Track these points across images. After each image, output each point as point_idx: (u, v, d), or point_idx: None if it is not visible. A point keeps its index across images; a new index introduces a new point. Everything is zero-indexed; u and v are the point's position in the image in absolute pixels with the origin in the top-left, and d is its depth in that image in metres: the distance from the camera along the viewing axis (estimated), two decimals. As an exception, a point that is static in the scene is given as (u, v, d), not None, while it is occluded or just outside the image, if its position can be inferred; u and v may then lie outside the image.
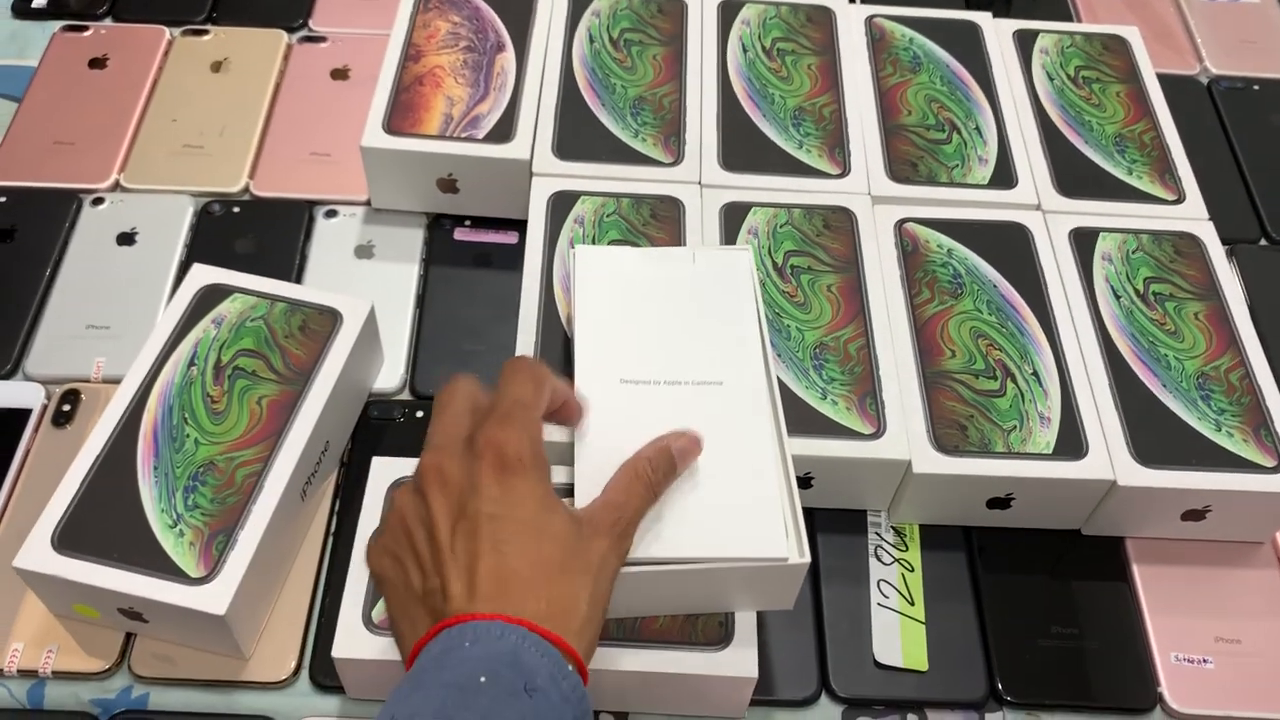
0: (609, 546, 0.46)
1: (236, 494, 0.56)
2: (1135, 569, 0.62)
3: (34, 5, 0.87)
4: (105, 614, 0.56)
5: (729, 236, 0.68)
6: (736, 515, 0.50)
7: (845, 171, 0.71)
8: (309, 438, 0.58)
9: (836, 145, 0.73)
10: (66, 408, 0.65)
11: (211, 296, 0.62)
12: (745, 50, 0.78)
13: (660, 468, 0.50)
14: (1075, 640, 0.60)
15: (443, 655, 0.42)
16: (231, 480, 0.56)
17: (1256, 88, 0.87)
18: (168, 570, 0.53)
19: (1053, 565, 0.63)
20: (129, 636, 0.58)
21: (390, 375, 0.68)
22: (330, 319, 0.62)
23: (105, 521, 0.55)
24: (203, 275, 0.63)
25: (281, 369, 0.60)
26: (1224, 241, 0.72)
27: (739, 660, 0.53)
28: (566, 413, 0.53)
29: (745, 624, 0.54)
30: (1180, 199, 0.72)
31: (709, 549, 0.49)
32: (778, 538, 0.50)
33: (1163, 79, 0.80)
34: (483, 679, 0.40)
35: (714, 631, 0.53)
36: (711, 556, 0.49)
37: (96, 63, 0.83)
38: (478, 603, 0.43)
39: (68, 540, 0.54)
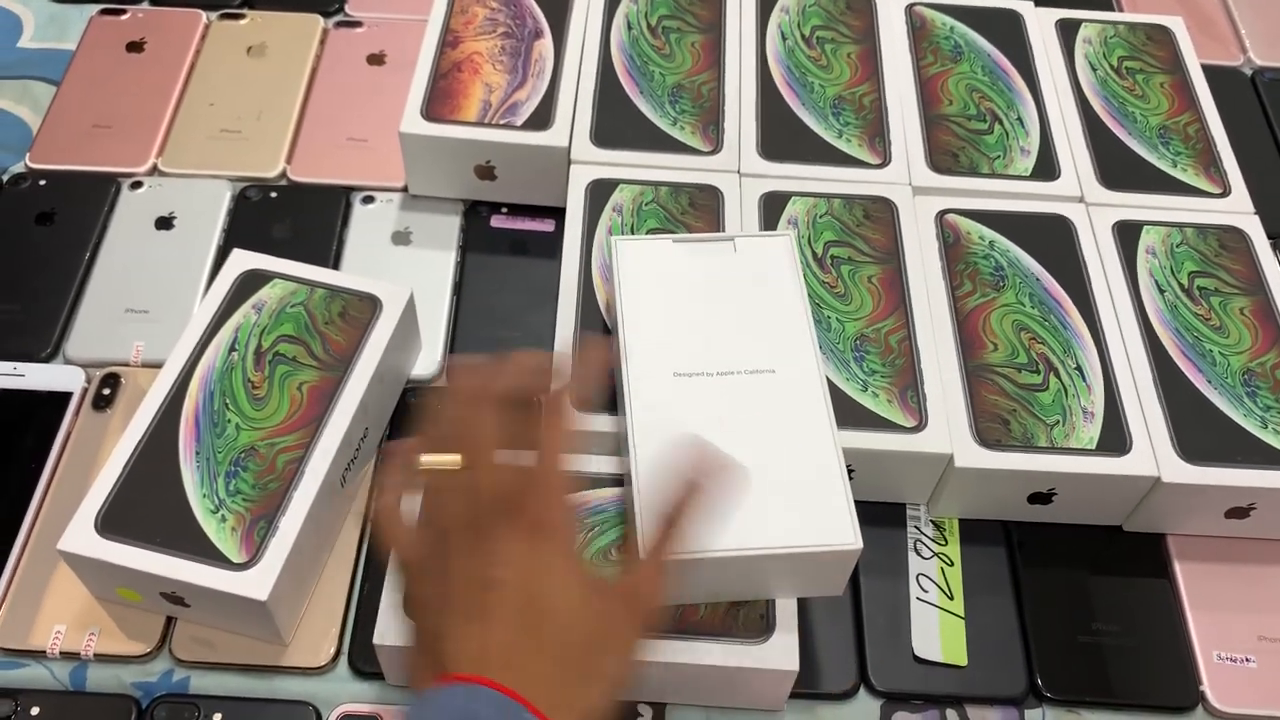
0: (641, 622, 0.45)
1: (277, 480, 0.56)
2: (1177, 566, 0.62)
3: (71, -12, 0.87)
4: (147, 598, 0.56)
5: (768, 225, 0.67)
6: (803, 504, 0.51)
7: (886, 161, 0.71)
8: (349, 424, 0.58)
9: (877, 135, 0.72)
10: (106, 391, 0.65)
11: (251, 282, 0.62)
12: (784, 38, 0.77)
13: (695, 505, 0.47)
14: (1116, 637, 0.59)
15: (440, 708, 0.40)
16: (273, 466, 0.56)
17: (1302, 79, 0.86)
18: (210, 555, 0.53)
19: (1093, 561, 0.62)
20: (170, 620, 0.58)
21: (427, 362, 0.68)
22: (370, 305, 0.62)
23: (148, 505, 0.55)
24: (242, 261, 0.63)
25: (322, 355, 0.60)
26: (1270, 235, 0.71)
27: (780, 653, 0.53)
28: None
29: (786, 616, 0.53)
30: (1225, 192, 0.71)
31: (779, 539, 0.50)
32: (845, 526, 0.51)
33: (1206, 70, 0.79)
34: None
35: (755, 624, 0.53)
36: (782, 546, 0.50)
37: (134, 46, 0.83)
38: (482, 668, 0.41)
39: (111, 524, 0.54)
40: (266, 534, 0.54)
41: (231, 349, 0.60)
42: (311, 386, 0.59)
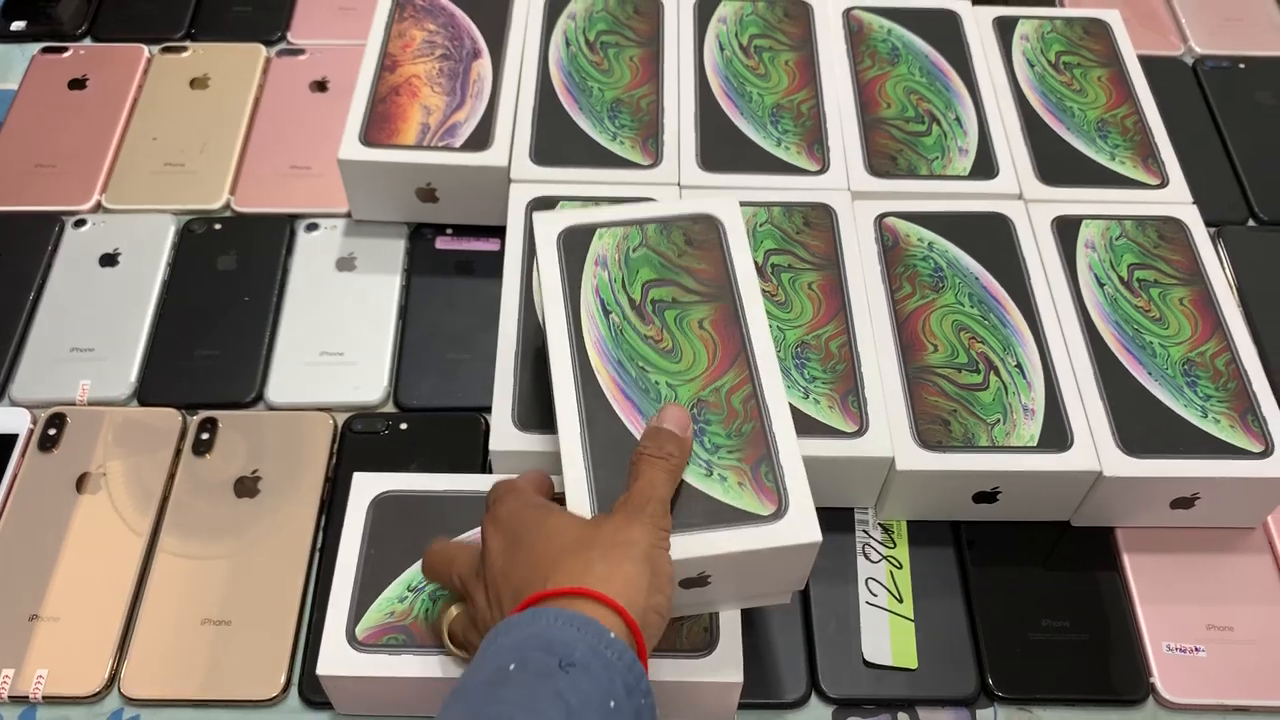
0: (647, 530, 0.46)
1: (747, 420, 0.53)
2: (1126, 558, 0.62)
3: (13, 28, 0.87)
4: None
5: (708, 237, 0.67)
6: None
7: (824, 168, 0.71)
8: (771, 343, 0.55)
9: (815, 141, 0.72)
10: (52, 431, 0.65)
11: (573, 240, 0.59)
12: (722, 48, 0.77)
13: (666, 446, 0.50)
14: (1066, 633, 0.59)
15: (479, 657, 0.43)
16: (732, 409, 0.53)
17: (1242, 66, 0.87)
18: (737, 518, 0.50)
19: (1042, 558, 0.62)
20: (119, 658, 0.58)
21: (373, 388, 0.68)
22: (709, 225, 0.59)
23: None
24: (554, 221, 0.59)
25: (697, 287, 0.57)
26: (1211, 224, 0.71)
27: (724, 665, 0.53)
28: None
29: (730, 629, 0.54)
30: (1164, 183, 0.71)
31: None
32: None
33: (1147, 61, 0.79)
34: (512, 667, 0.40)
35: (699, 637, 0.53)
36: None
37: (76, 83, 0.83)
38: (510, 601, 0.45)
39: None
40: (775, 475, 0.51)
41: (606, 312, 0.56)
42: (713, 320, 0.56)
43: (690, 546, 0.49)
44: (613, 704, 0.41)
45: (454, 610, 0.51)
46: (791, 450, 0.52)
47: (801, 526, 0.50)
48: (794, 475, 0.52)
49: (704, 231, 0.60)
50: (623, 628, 0.43)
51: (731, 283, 0.58)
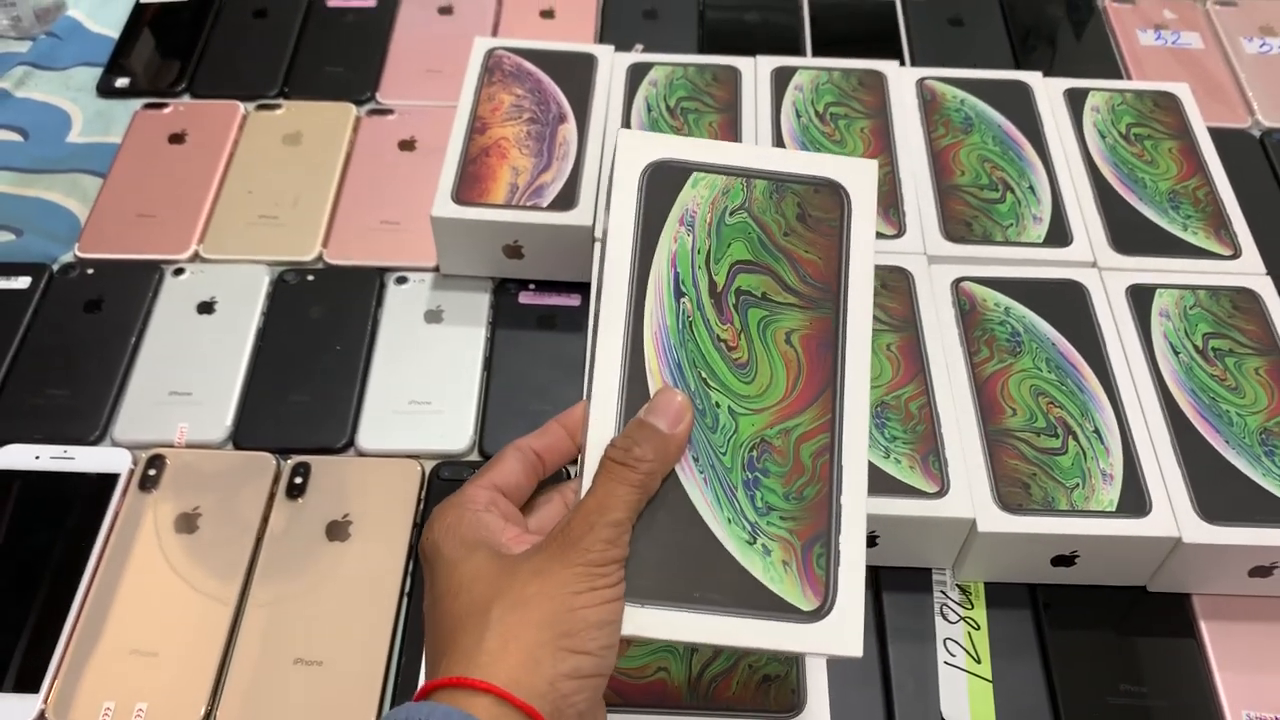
0: (570, 574, 0.40)
1: (813, 482, 0.43)
2: (1203, 625, 0.62)
3: (117, 85, 0.91)
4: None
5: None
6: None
7: (901, 232, 0.73)
8: (868, 384, 0.44)
9: (891, 206, 0.74)
10: (152, 472, 0.68)
11: (661, 180, 0.46)
12: (799, 115, 0.80)
13: (638, 448, 0.42)
14: (1144, 698, 0.60)
15: None
16: (799, 463, 0.43)
17: (1310, 139, 0.88)
18: (774, 608, 0.41)
19: (1119, 622, 0.63)
20: (217, 686, 0.59)
21: (460, 436, 0.70)
22: (833, 196, 0.46)
23: (664, 549, 0.42)
24: (643, 147, 0.46)
25: (797, 284, 0.45)
26: (1283, 294, 0.72)
27: (811, 724, 0.53)
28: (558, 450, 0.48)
29: (817, 689, 0.54)
30: (1236, 254, 0.73)
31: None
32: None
33: (1215, 133, 0.80)
34: None
35: (786, 699, 0.54)
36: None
37: (176, 138, 0.87)
38: (428, 669, 0.42)
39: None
40: (828, 561, 0.42)
41: (678, 293, 0.44)
42: (805, 336, 0.44)
43: (707, 629, 0.42)
44: None
45: None
46: (856, 532, 0.43)
47: (843, 635, 0.42)
48: (850, 568, 0.43)
49: (824, 205, 0.47)
50: (515, 715, 0.38)
51: (840, 286, 0.46)
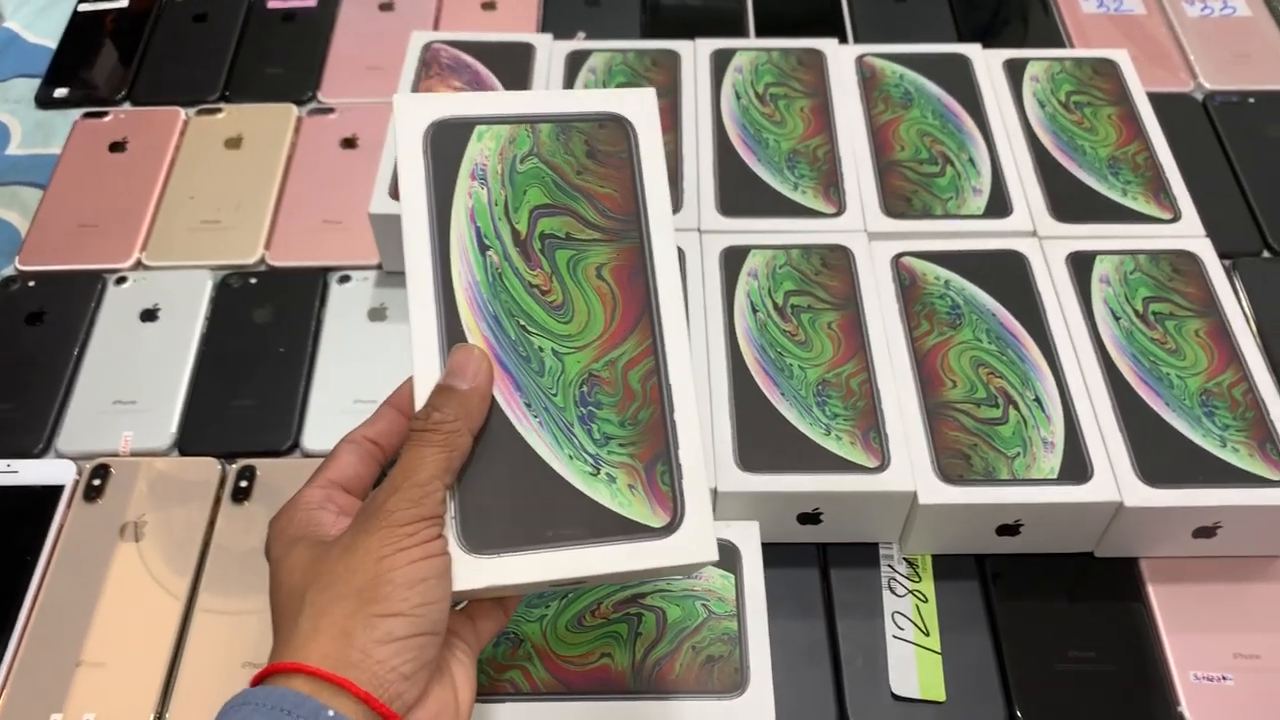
0: (375, 540, 0.41)
1: (645, 404, 0.44)
2: (1150, 588, 0.63)
3: (56, 95, 0.91)
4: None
5: (729, 279, 0.69)
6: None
7: (841, 210, 0.73)
8: (681, 302, 0.45)
9: (831, 185, 0.74)
10: (97, 482, 0.67)
11: (445, 140, 0.47)
12: (739, 97, 0.79)
13: (437, 412, 0.43)
14: (1093, 663, 0.60)
15: None
16: (629, 390, 0.44)
17: (1252, 100, 0.88)
18: (627, 531, 0.43)
19: (1067, 589, 0.63)
20: (163, 702, 0.59)
21: (407, 434, 0.69)
22: (617, 129, 0.48)
23: (513, 496, 0.43)
24: (419, 109, 0.47)
25: (599, 220, 0.46)
26: (1226, 255, 0.72)
27: (756, 706, 0.54)
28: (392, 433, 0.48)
29: (760, 668, 0.54)
30: (1176, 217, 0.73)
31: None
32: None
33: (1157, 98, 0.81)
34: None
35: (729, 678, 0.54)
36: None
37: (116, 146, 0.86)
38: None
39: (481, 540, 0.43)
40: (672, 477, 0.44)
41: (483, 247, 0.45)
42: (615, 268, 0.46)
43: (565, 564, 0.42)
44: None
45: None
46: (693, 444, 0.45)
47: (695, 544, 0.44)
48: (693, 478, 0.44)
49: (611, 139, 0.48)
50: (333, 691, 0.39)
51: (641, 214, 0.47)
